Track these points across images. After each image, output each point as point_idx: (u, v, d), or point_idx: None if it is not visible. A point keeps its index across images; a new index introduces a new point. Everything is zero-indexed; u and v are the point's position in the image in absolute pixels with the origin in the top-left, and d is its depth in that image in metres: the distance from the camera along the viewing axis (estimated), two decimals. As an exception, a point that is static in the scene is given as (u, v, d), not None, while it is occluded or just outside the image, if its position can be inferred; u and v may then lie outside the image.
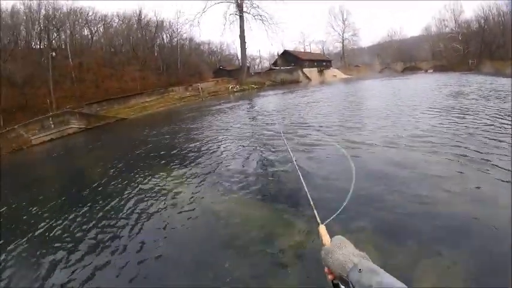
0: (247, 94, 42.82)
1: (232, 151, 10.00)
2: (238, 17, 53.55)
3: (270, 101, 28.76)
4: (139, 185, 7.73)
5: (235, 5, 53.60)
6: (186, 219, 5.60)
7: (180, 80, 45.60)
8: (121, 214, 6.26)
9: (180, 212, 5.93)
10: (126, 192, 7.42)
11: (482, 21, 66.57)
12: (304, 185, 2.87)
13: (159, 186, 7.52)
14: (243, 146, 10.39)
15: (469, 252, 3.94)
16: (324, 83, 53.33)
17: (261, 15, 54.39)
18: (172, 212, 6.02)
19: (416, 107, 14.15)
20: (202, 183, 7.29)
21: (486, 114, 11.18)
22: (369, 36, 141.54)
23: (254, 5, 54.26)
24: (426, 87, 25.70)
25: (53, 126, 23.10)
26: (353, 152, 8.01)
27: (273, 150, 9.40)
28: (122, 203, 6.85)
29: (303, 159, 7.92)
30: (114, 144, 16.17)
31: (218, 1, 53.55)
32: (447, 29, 76.88)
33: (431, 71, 70.19)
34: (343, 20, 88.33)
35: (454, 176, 6.21)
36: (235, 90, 48.05)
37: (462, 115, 11.48)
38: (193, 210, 5.91)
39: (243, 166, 8.22)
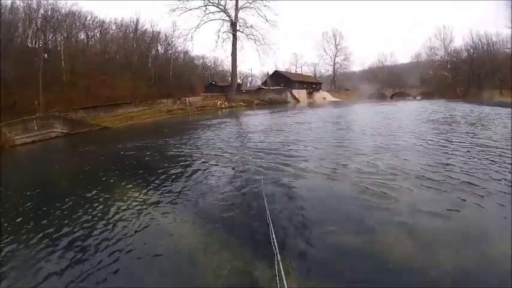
0: (235, 112, 43.51)
1: (204, 174, 9.69)
2: (231, 35, 54.52)
3: (251, 121, 29.30)
4: (101, 205, 7.47)
5: (229, 23, 54.66)
6: (140, 244, 5.40)
7: (171, 92, 46.26)
8: (75, 231, 6.09)
9: (128, 235, 5.75)
10: (87, 209, 7.22)
11: (472, 50, 69.16)
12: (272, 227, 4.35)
13: (121, 207, 7.23)
14: (216, 171, 10.07)
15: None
16: (312, 105, 54.74)
17: (253, 35, 55.46)
18: (123, 233, 5.84)
19: (385, 139, 14.39)
20: (166, 207, 7.08)
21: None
22: (360, 60, 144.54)
23: (248, 25, 55.38)
24: (408, 115, 26.95)
25: (36, 128, 23.45)
26: (292, 180, 8.28)
27: (245, 178, 8.98)
28: (79, 219, 6.67)
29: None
30: (91, 153, 16.28)
31: (212, 18, 54.51)
32: (437, 56, 79.78)
33: (420, 97, 72.45)
34: (335, 44, 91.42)
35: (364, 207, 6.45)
36: (223, 107, 48.84)
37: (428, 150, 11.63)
38: (149, 236, 5.71)
39: (214, 194, 7.79)
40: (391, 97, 78.25)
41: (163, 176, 9.65)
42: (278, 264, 4.11)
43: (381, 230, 5.53)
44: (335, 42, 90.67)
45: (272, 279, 4.01)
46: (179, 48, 57.71)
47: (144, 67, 49.31)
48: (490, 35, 66.57)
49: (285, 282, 3.58)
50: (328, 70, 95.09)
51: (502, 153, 10.26)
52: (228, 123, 26.63)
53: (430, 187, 7.38)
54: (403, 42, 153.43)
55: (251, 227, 5.91)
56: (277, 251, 4.41)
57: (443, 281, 4.18)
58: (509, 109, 27.78)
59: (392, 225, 5.66)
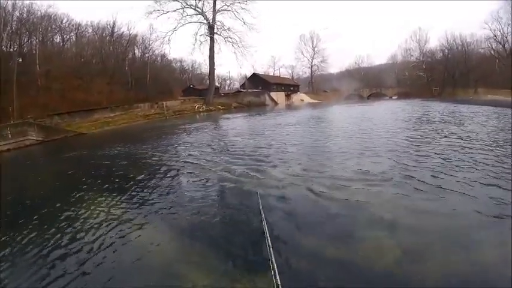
0: (213, 115, 44.10)
1: (184, 183, 9.58)
2: (208, 38, 55.20)
3: (230, 124, 29.65)
4: (77, 216, 7.34)
5: (206, 26, 55.31)
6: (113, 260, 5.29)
7: (148, 97, 46.43)
8: (44, 242, 6.05)
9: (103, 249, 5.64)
10: (61, 220, 7.09)
11: (447, 50, 72.46)
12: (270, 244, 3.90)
13: (98, 218, 7.12)
14: (198, 180, 9.79)
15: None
16: (290, 107, 56.14)
17: (231, 38, 56.30)
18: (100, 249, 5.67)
19: (364, 140, 14.53)
20: (144, 218, 6.90)
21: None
22: (338, 62, 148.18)
23: (225, 28, 56.18)
24: (381, 115, 28.08)
25: (10, 136, 23.54)
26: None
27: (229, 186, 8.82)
28: (49, 230, 6.61)
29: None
30: (66, 162, 16.34)
31: (190, 21, 55.08)
32: (412, 57, 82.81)
33: (396, 97, 75.23)
34: (313, 47, 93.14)
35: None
36: (201, 110, 49.45)
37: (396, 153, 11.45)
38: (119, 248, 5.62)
39: (195, 204, 7.56)
40: (368, 97, 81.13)
41: (141, 185, 9.54)
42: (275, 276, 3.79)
43: (366, 236, 5.53)
44: (312, 44, 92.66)
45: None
46: (156, 52, 58.02)
47: (121, 71, 49.09)
48: (464, 36, 70.03)
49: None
50: (305, 72, 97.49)
51: (483, 152, 10.69)
52: (206, 128, 26.95)
53: (411, 189, 7.54)
54: (383, 44, 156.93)
55: (235, 238, 5.78)
56: (275, 267, 3.96)
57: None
58: (487, 107, 29.59)
59: (375, 231, 5.70)
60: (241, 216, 6.71)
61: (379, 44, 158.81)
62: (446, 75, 69.97)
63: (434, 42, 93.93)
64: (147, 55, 55.27)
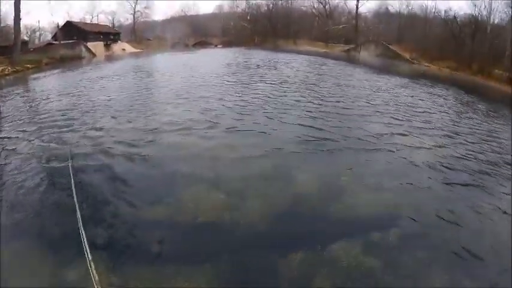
0: (21, 77, 38.57)
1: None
2: (13, -20, 47.91)
3: (39, 86, 27.18)
4: None
5: (11, -34, 47.58)
6: None
7: None
8: None
9: None
10: None
11: (271, 5, 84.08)
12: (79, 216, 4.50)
13: None
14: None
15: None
16: (110, 58, 55.79)
17: (39, -20, 50.00)
18: None
19: (183, 85, 15.55)
20: None
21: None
22: (163, 10, 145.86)
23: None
24: (204, 63, 30.93)
25: None
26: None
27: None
28: None
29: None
30: None
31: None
32: (238, 9, 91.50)
33: (221, 46, 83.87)
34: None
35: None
36: (6, 73, 43.93)
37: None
38: None
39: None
40: (193, 46, 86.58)
41: None
42: (90, 264, 3.98)
43: (187, 185, 5.50)
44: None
45: (86, 279, 3.98)
46: None
47: None
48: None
49: (96, 277, 3.75)
50: (128, 19, 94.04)
51: (293, 93, 11.86)
52: (9, 96, 23.21)
53: (223, 132, 7.56)
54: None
55: (48, 222, 5.47)
56: (87, 249, 4.15)
57: (255, 229, 4.37)
58: (303, 55, 35.32)
59: (195, 178, 5.70)
60: (53, 196, 6.38)
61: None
62: (269, 27, 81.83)
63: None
64: None
